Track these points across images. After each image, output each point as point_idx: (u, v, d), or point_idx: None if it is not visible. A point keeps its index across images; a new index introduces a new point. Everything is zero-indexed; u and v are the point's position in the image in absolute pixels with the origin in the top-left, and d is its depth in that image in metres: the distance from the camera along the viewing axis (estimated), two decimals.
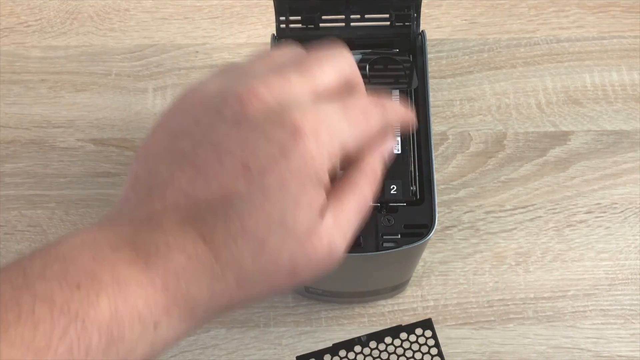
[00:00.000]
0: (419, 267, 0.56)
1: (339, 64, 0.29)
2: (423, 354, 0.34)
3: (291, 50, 0.31)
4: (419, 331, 0.34)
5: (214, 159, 0.26)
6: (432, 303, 0.56)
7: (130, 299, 0.23)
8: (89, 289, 0.23)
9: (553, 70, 0.65)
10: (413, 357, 0.34)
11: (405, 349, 0.34)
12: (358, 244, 0.40)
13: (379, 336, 0.34)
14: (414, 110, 0.45)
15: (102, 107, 0.63)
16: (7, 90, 0.64)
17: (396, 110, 0.32)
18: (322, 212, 0.27)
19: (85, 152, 0.62)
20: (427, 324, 0.34)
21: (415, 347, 0.35)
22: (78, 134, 0.62)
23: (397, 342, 0.34)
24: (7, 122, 0.63)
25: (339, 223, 0.27)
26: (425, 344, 0.34)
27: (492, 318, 0.55)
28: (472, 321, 0.55)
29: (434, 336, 0.34)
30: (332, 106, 0.28)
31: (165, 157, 0.26)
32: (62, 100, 0.64)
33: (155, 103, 0.63)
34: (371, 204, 0.30)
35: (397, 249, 0.40)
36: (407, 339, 0.34)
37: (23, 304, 0.22)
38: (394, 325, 0.35)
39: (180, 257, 0.25)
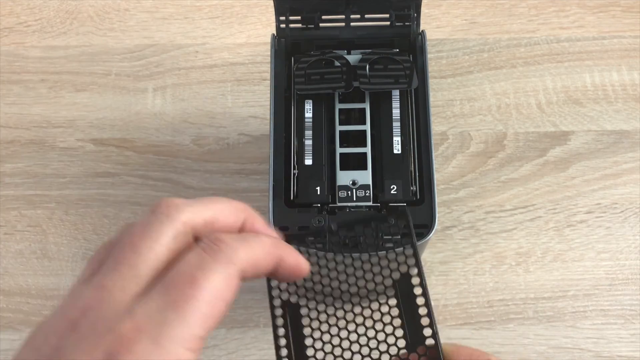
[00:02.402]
0: None
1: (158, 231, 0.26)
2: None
3: (107, 244, 0.27)
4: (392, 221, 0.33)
5: None
6: (432, 303, 0.56)
7: None
8: None
9: (553, 70, 0.65)
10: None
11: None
12: (358, 244, 0.40)
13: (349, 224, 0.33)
14: (414, 111, 0.45)
15: (102, 107, 0.63)
16: (7, 90, 0.64)
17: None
18: None
19: (85, 152, 0.62)
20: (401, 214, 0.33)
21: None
22: (78, 134, 0.62)
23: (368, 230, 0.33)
24: (7, 122, 0.63)
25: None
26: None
27: (492, 318, 0.55)
28: (472, 321, 0.55)
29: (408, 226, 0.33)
30: (158, 302, 0.24)
31: None
32: (62, 100, 0.64)
33: (155, 103, 0.63)
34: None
35: (397, 249, 0.40)
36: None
37: None
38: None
39: None
